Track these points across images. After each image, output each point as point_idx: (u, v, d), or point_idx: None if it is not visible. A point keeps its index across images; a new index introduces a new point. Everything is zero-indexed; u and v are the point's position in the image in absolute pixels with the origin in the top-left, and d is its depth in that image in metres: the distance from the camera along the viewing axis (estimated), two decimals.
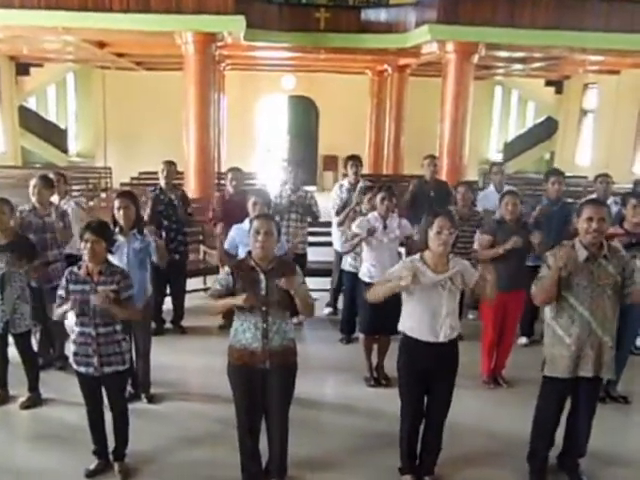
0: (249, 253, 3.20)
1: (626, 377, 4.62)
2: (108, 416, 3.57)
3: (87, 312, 3.34)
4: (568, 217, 4.75)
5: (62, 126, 16.63)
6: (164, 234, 5.38)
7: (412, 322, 3.32)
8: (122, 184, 11.16)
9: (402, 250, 5.20)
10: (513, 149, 17.45)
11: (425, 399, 3.43)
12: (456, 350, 3.38)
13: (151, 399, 4.45)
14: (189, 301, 6.18)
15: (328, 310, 6.47)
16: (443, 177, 8.37)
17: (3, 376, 4.39)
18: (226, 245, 4.95)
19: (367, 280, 4.62)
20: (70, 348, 3.51)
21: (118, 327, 3.46)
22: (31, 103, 16.45)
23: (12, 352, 4.35)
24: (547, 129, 17.58)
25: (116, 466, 3.57)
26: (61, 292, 3.39)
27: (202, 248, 7.16)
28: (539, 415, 3.56)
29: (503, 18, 9.00)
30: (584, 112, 16.23)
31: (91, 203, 7.28)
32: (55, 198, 5.22)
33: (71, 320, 3.50)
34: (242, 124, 16.29)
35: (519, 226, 4.66)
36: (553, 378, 3.41)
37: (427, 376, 3.33)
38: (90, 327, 3.36)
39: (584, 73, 15.05)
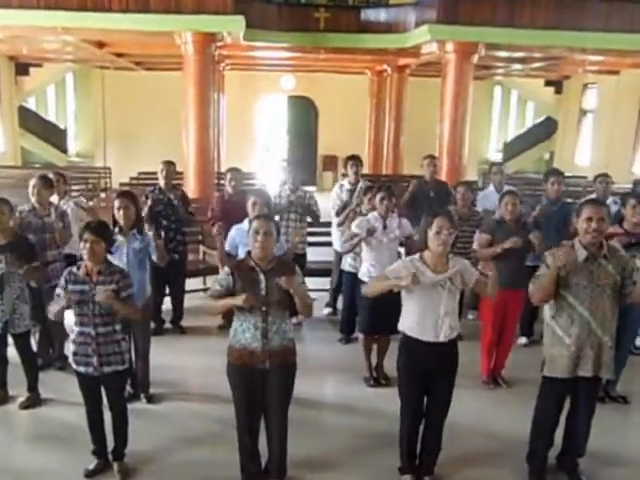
0: (249, 253, 3.20)
1: (625, 377, 4.63)
2: (107, 416, 3.57)
3: (86, 312, 3.34)
4: (568, 217, 4.75)
5: (61, 126, 16.64)
6: (163, 234, 5.38)
7: (412, 322, 3.32)
8: (121, 184, 11.16)
9: (402, 250, 5.20)
10: (513, 149, 17.46)
11: (425, 399, 3.43)
12: (456, 350, 3.38)
13: (150, 399, 4.45)
14: (188, 301, 6.17)
15: (327, 310, 6.47)
16: (443, 177, 8.38)
17: (2, 376, 4.39)
18: (226, 246, 4.96)
19: (367, 280, 4.61)
20: (69, 348, 3.51)
21: (117, 327, 3.46)
22: (31, 103, 16.45)
23: (11, 352, 4.35)
24: (547, 129, 17.59)
25: (115, 466, 3.57)
26: (59, 291, 3.39)
27: (202, 248, 7.16)
28: (538, 415, 3.56)
29: (503, 18, 9.01)
30: (584, 112, 16.24)
31: (90, 203, 7.27)
32: (55, 198, 5.22)
33: (70, 320, 3.50)
34: (242, 124, 16.29)
35: (518, 226, 4.66)
36: (552, 378, 3.41)
37: (427, 376, 3.34)
38: (89, 327, 3.36)
39: (584, 73, 15.05)
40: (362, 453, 3.87)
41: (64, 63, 15.37)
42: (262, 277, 3.11)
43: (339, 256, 5.89)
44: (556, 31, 9.02)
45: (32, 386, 4.36)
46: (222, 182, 9.03)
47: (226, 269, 3.20)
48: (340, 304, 5.99)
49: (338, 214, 5.77)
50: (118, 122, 16.03)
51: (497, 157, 17.17)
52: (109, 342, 3.40)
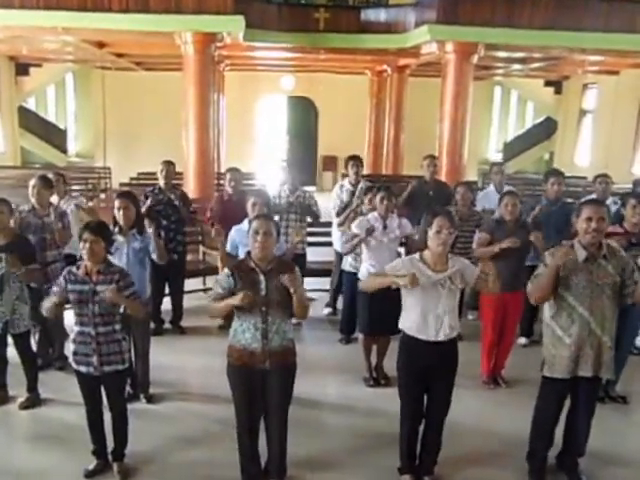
0: (248, 253, 3.20)
1: (625, 377, 4.63)
2: (107, 416, 3.57)
3: (86, 312, 3.34)
4: (568, 217, 4.75)
5: (61, 126, 16.64)
6: (163, 234, 5.38)
7: (411, 321, 3.33)
8: (121, 184, 11.15)
9: (402, 250, 5.20)
10: (512, 149, 17.46)
11: (425, 399, 3.43)
12: (455, 349, 3.39)
13: (150, 399, 4.45)
14: (188, 301, 6.18)
15: (327, 310, 6.47)
16: (442, 177, 8.38)
17: (2, 377, 4.39)
18: (227, 246, 4.96)
19: None
20: (69, 348, 3.51)
21: (117, 326, 3.46)
22: (30, 103, 16.44)
23: (11, 352, 4.34)
24: (546, 129, 17.59)
25: (115, 466, 3.57)
26: (55, 288, 3.40)
27: (202, 248, 7.16)
28: (538, 415, 3.56)
29: (502, 18, 9.00)
30: (583, 112, 16.24)
31: (90, 203, 7.28)
32: (54, 198, 5.22)
33: (71, 320, 3.50)
34: (241, 124, 16.29)
35: (518, 226, 4.67)
36: (552, 378, 3.42)
37: (426, 375, 3.34)
38: (89, 326, 3.36)
39: (583, 73, 15.04)
40: (362, 453, 3.87)
41: (64, 63, 15.37)
42: (262, 277, 3.11)
43: (339, 256, 5.89)
44: (556, 31, 9.02)
45: (32, 386, 4.36)
46: (222, 182, 9.04)
47: (226, 270, 3.20)
48: (340, 304, 5.99)
49: (338, 214, 5.77)
50: (118, 122, 16.02)
51: (497, 157, 17.16)
52: (109, 342, 3.40)
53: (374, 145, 15.59)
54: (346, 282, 5.49)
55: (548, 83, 17.23)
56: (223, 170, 9.16)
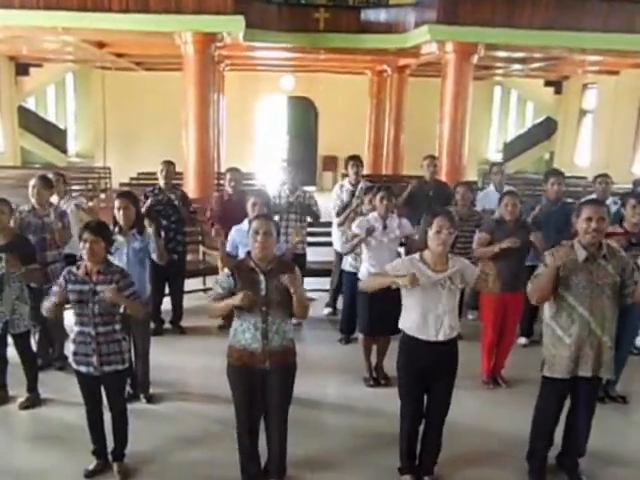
0: (248, 254, 3.20)
1: (625, 377, 4.63)
2: (107, 416, 3.57)
3: (86, 312, 3.34)
4: (568, 217, 4.74)
5: (61, 126, 16.63)
6: (163, 234, 5.38)
7: (411, 321, 3.33)
8: (121, 184, 11.15)
9: (402, 250, 5.20)
10: (512, 149, 17.46)
11: (425, 399, 3.43)
12: (455, 349, 3.39)
13: (150, 399, 4.45)
14: (188, 301, 6.18)
15: (327, 310, 6.47)
16: (442, 177, 8.38)
17: (2, 377, 4.38)
18: (227, 246, 4.96)
19: None
20: (69, 348, 3.51)
21: (117, 326, 3.46)
22: (30, 103, 16.44)
23: (11, 352, 4.34)
24: (546, 129, 17.59)
25: (115, 466, 3.57)
26: (55, 288, 3.40)
27: (202, 248, 7.16)
28: (538, 415, 3.56)
29: (502, 18, 9.00)
30: (583, 112, 16.24)
31: (90, 204, 7.28)
32: (54, 198, 5.22)
33: (71, 320, 3.50)
34: (241, 124, 16.29)
35: (518, 226, 4.67)
36: (552, 378, 3.42)
37: (426, 375, 3.34)
38: (89, 326, 3.36)
39: (583, 73, 15.05)
40: (362, 453, 3.87)
41: (64, 63, 15.37)
42: (262, 277, 3.11)
43: (340, 256, 5.89)
44: (555, 31, 9.01)
45: (32, 386, 4.36)
46: (222, 182, 9.04)
47: (226, 271, 3.20)
48: (340, 304, 5.99)
49: (338, 214, 5.77)
50: (118, 122, 16.02)
51: (497, 157, 17.16)
52: (109, 341, 3.40)
53: (374, 145, 15.59)
54: (346, 282, 5.49)
55: (548, 83, 17.24)
56: (223, 170, 9.18)
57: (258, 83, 16.39)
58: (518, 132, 18.11)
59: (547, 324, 3.45)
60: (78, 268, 3.38)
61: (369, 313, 4.67)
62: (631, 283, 3.27)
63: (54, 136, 16.17)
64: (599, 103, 15.35)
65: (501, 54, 11.01)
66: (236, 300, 3.03)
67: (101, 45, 11.03)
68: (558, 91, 17.27)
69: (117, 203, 4.24)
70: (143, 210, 4.84)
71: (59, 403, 4.37)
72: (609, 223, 3.42)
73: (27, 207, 4.79)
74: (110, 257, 3.52)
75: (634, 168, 13.42)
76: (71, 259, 4.81)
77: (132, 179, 12.20)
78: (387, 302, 3.88)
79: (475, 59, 9.39)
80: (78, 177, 12.50)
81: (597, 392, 3.63)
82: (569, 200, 5.88)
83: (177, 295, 5.94)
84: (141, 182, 11.26)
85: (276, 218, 5.19)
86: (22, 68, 15.16)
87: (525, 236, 4.56)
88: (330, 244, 6.39)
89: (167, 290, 5.89)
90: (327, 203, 6.49)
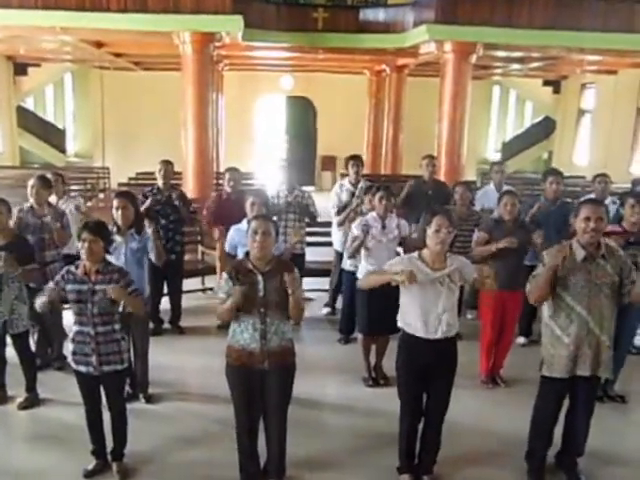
0: (247, 254, 3.20)
1: (623, 377, 4.63)
2: (106, 416, 3.57)
3: (85, 311, 3.34)
4: (567, 217, 4.75)
5: (60, 126, 16.61)
6: (162, 233, 5.38)
7: (410, 319, 3.33)
8: (120, 184, 11.15)
9: (400, 250, 5.19)
10: (511, 149, 17.46)
11: (424, 398, 3.44)
12: (454, 348, 3.39)
13: (149, 399, 4.44)
14: (187, 301, 6.17)
15: (326, 310, 6.46)
16: (441, 177, 8.37)
17: (1, 377, 4.38)
18: (226, 246, 4.96)
19: None
20: (68, 348, 3.51)
21: (117, 326, 3.46)
22: (29, 103, 16.41)
23: (10, 352, 4.34)
24: (545, 129, 17.59)
25: (114, 466, 3.57)
26: (50, 284, 3.40)
27: (200, 248, 7.16)
28: (537, 415, 3.57)
29: (501, 18, 9.00)
30: (582, 112, 16.25)
31: (89, 204, 7.28)
32: (53, 198, 5.21)
33: (70, 320, 3.50)
34: (240, 124, 16.28)
35: (517, 226, 4.67)
36: (551, 378, 3.42)
37: (426, 374, 3.34)
38: (88, 326, 3.36)
39: (582, 73, 15.05)
40: (361, 453, 3.87)
41: (62, 63, 15.34)
42: (260, 278, 3.10)
43: (339, 256, 5.89)
44: (554, 31, 9.01)
45: (30, 386, 4.35)
46: (221, 182, 9.03)
47: (224, 275, 3.19)
48: (339, 304, 5.99)
49: (338, 214, 5.77)
50: (116, 122, 16.02)
51: (496, 157, 17.16)
52: (108, 341, 3.40)
53: (373, 145, 15.59)
54: (346, 281, 5.49)
55: (547, 83, 17.24)
56: (222, 170, 9.17)
57: (257, 83, 16.38)
58: (517, 132, 18.11)
59: (546, 324, 3.45)
60: (77, 268, 3.38)
61: (368, 313, 4.67)
62: (628, 282, 3.27)
63: (53, 136, 16.15)
64: (598, 103, 15.36)
65: (500, 54, 11.01)
66: (234, 297, 3.03)
67: (99, 45, 11.02)
68: (557, 91, 17.28)
69: (115, 203, 4.24)
70: (142, 210, 4.83)
71: (58, 403, 4.36)
72: (608, 223, 3.43)
73: (26, 207, 4.78)
74: (108, 257, 3.52)
75: (632, 167, 13.42)
76: (70, 259, 4.81)
77: (131, 179, 12.18)
78: (386, 302, 3.88)
79: (474, 59, 9.38)
80: (77, 177, 12.48)
81: (596, 391, 3.63)
82: (568, 200, 5.88)
83: (175, 295, 5.93)
84: (140, 182, 11.24)
85: (275, 218, 5.18)
86: (20, 68, 15.13)
87: (523, 236, 4.57)
88: (329, 244, 6.39)
89: (165, 290, 5.89)
90: (326, 203, 6.49)
